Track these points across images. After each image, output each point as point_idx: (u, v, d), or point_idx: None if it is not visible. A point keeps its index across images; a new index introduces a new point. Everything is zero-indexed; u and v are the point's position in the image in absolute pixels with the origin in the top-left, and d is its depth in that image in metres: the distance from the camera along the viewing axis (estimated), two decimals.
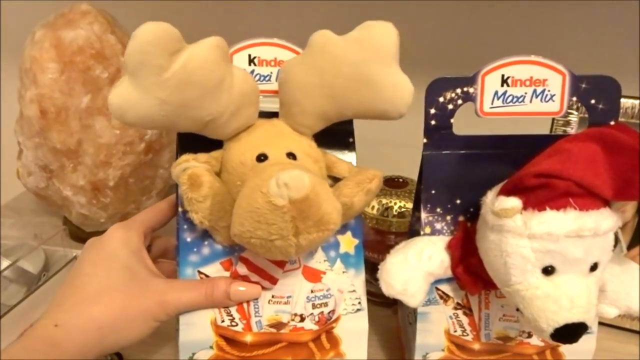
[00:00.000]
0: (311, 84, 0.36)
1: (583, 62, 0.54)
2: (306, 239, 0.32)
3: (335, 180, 0.40)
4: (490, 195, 0.36)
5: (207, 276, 0.39)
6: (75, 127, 0.57)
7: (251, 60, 0.40)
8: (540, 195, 0.33)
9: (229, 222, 0.34)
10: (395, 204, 0.54)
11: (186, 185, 0.35)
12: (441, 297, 0.41)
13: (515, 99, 0.38)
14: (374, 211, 0.54)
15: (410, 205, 0.53)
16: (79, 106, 0.57)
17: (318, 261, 0.41)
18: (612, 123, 0.38)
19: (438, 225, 0.40)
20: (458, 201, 0.40)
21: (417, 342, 0.42)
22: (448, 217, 0.40)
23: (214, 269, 0.39)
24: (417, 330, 0.41)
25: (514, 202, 0.33)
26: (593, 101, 0.38)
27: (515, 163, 0.35)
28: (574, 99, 0.38)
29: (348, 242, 0.41)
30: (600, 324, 0.52)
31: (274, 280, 0.39)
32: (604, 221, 0.32)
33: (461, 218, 0.40)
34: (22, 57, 0.58)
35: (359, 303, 0.41)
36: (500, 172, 0.37)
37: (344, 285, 0.41)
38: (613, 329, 0.53)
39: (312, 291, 0.40)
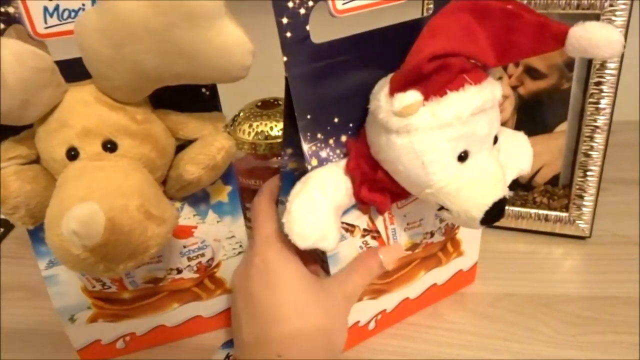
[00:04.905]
0: (111, 58, 0.28)
1: None
2: (124, 268, 0.29)
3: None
4: (382, 98, 0.31)
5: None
6: None
7: None
8: (437, 79, 0.30)
9: None
10: (271, 126, 0.49)
11: None
12: (347, 230, 0.37)
13: None
14: (249, 137, 0.49)
15: None
16: None
17: (186, 217, 0.39)
18: None
19: (323, 153, 0.35)
20: (336, 120, 0.35)
21: None
22: (330, 141, 0.35)
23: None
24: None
25: (414, 95, 0.30)
26: None
27: (387, 60, 0.32)
28: None
29: (219, 191, 0.39)
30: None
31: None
32: (496, 89, 0.32)
33: (344, 138, 0.35)
34: None
35: (240, 246, 0.41)
36: (374, 74, 0.34)
37: (221, 234, 0.40)
38: (497, 230, 0.53)
39: (184, 246, 0.39)
